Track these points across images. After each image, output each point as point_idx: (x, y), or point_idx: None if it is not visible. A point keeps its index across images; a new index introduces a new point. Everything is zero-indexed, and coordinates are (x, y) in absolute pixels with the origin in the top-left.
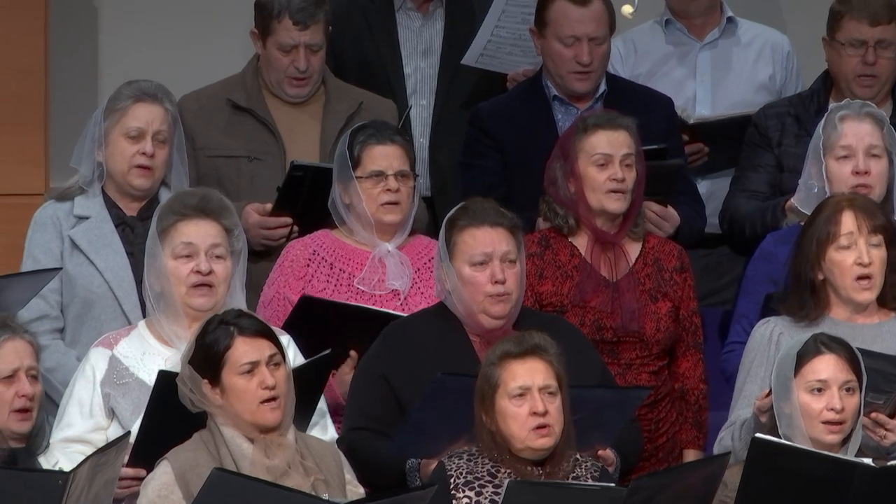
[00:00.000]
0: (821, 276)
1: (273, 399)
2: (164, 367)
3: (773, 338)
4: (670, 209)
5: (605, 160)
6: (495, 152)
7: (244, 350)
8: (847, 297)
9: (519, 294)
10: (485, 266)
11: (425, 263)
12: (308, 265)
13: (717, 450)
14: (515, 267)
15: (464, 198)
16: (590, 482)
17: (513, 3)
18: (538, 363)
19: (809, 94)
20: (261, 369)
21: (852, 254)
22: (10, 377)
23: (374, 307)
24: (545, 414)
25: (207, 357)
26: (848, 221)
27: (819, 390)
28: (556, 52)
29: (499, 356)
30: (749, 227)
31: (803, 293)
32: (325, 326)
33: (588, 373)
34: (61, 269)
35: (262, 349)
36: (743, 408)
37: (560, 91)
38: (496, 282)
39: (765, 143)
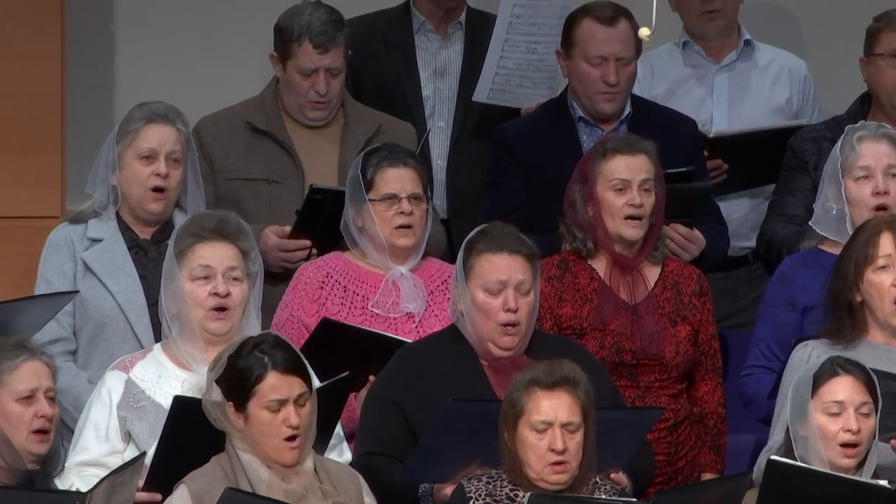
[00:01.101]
0: (858, 298)
1: (294, 437)
2: (179, 390)
3: (810, 361)
4: (696, 232)
5: (623, 185)
6: (520, 172)
7: (275, 385)
8: (884, 321)
9: (529, 325)
10: (499, 294)
11: (438, 286)
12: (322, 288)
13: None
14: (529, 297)
15: (487, 218)
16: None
17: (514, 32)
18: (564, 397)
19: (846, 117)
20: (287, 407)
21: (890, 276)
22: (29, 398)
23: (394, 335)
24: (563, 451)
25: (237, 382)
26: (886, 244)
27: (835, 412)
28: (583, 73)
29: (527, 382)
30: (787, 252)
31: (840, 315)
32: (344, 350)
33: (600, 396)
34: (77, 292)
35: (293, 387)
36: (781, 432)
37: (585, 112)
38: (508, 310)
39: (801, 166)
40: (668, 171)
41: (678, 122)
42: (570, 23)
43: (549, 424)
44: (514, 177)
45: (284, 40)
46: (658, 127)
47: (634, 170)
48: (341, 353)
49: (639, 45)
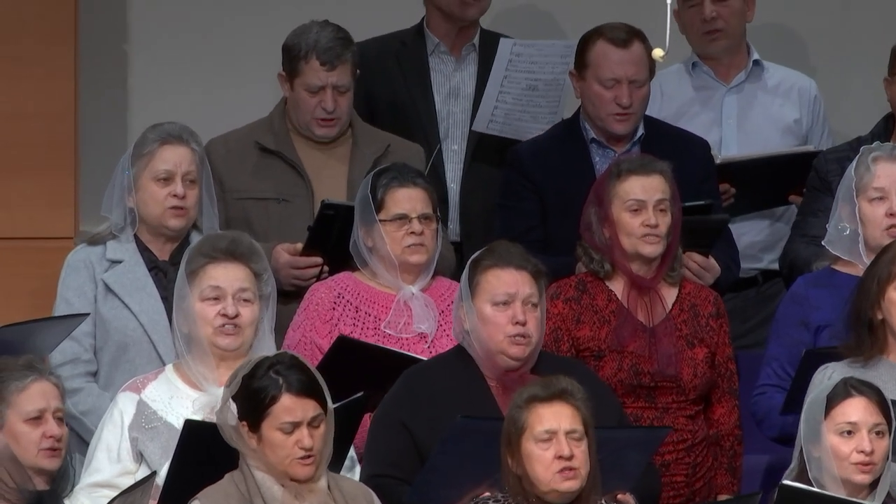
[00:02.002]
0: (879, 316)
1: (308, 457)
2: (191, 410)
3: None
4: (711, 260)
5: (638, 206)
6: (533, 194)
7: (288, 408)
8: None
9: (538, 339)
10: (507, 306)
11: (449, 305)
12: (334, 308)
13: None
14: (536, 311)
15: (504, 233)
16: None
17: (514, 70)
18: (565, 407)
19: (870, 137)
20: (301, 429)
21: None
22: (38, 418)
23: (409, 353)
24: (571, 458)
25: (251, 403)
26: None
27: (849, 433)
28: (596, 94)
29: (526, 400)
30: (809, 272)
31: (861, 331)
32: (360, 369)
33: (607, 416)
34: (89, 314)
35: (307, 410)
36: None
37: (598, 133)
38: (517, 323)
39: (824, 187)
40: (687, 203)
41: (691, 143)
42: (584, 44)
43: (553, 433)
44: (527, 199)
45: (292, 58)
46: (671, 148)
47: (649, 190)
48: (357, 372)
49: (652, 67)
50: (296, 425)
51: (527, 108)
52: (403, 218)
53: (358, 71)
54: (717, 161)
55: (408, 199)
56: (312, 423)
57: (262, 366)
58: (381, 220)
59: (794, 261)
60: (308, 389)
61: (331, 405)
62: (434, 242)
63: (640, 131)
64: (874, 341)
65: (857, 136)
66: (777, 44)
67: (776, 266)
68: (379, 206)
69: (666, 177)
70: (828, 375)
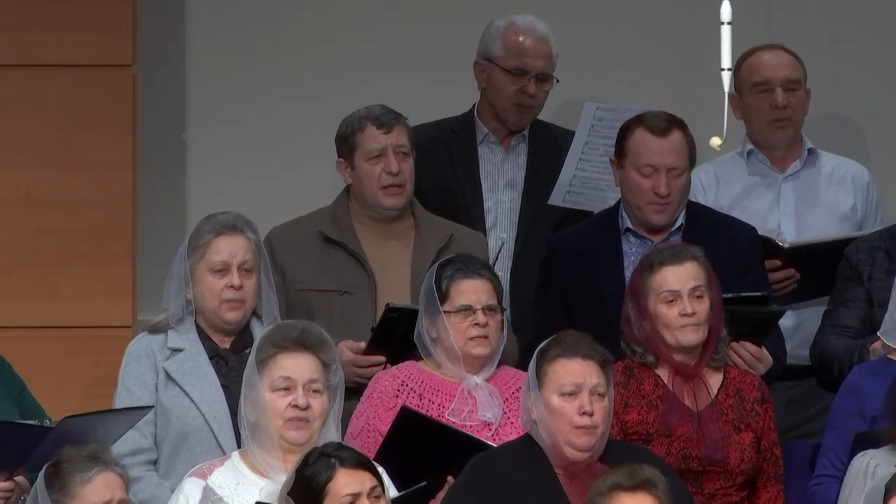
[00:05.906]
0: None
1: None
2: (258, 498)
3: (868, 470)
4: (764, 350)
5: (673, 297)
6: (560, 282)
7: (345, 482)
8: None
9: (605, 428)
10: (574, 397)
11: (513, 394)
12: (397, 396)
13: None
14: (604, 401)
15: (534, 328)
16: None
17: (595, 135)
18: (648, 498)
19: None
20: (362, 501)
21: None
22: None
23: (473, 434)
24: None
25: (308, 489)
26: None
27: None
28: (634, 183)
29: (609, 487)
30: (837, 366)
31: None
32: (424, 449)
33: (678, 502)
34: (152, 407)
35: (364, 481)
36: None
37: (635, 223)
38: (584, 413)
39: (856, 276)
40: (744, 294)
41: (735, 229)
42: (623, 132)
43: None
44: (554, 287)
45: (347, 136)
46: (714, 233)
47: (683, 279)
48: (421, 452)
49: (692, 156)
50: (356, 497)
51: (602, 176)
52: (468, 309)
53: (414, 151)
54: (785, 246)
55: (472, 291)
56: (372, 494)
57: (312, 454)
58: (445, 312)
59: (824, 353)
60: (361, 462)
61: (388, 488)
62: (498, 334)
63: (680, 221)
64: None
65: (888, 227)
66: (827, 132)
67: None
68: (444, 298)
69: (699, 262)
70: (865, 463)
